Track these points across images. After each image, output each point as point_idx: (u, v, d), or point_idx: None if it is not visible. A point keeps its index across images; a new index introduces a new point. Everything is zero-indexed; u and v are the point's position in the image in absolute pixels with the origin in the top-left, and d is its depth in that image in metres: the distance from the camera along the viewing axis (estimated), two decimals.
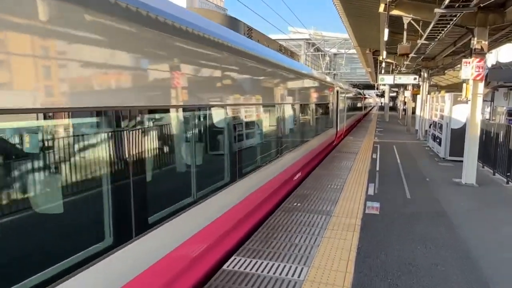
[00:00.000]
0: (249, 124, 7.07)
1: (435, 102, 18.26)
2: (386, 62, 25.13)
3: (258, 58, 7.35)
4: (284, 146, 9.41)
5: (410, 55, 14.85)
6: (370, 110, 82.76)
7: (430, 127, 19.67)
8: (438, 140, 16.68)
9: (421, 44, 11.85)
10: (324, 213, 7.87)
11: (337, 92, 19.80)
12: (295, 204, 8.58)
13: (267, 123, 8.16)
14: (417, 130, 26.48)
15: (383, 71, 28.52)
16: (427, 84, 24.35)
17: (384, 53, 18.07)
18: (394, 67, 26.71)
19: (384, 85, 45.29)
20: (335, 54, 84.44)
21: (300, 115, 11.34)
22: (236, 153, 5.99)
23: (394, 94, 73.12)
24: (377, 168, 13.52)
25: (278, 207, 8.64)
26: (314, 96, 13.44)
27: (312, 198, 9.04)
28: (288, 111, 10.09)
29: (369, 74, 48.76)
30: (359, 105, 40.79)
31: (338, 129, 20.17)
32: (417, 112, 26.55)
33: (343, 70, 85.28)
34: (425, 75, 23.86)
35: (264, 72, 7.76)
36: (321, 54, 51.70)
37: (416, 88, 38.69)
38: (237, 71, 6.15)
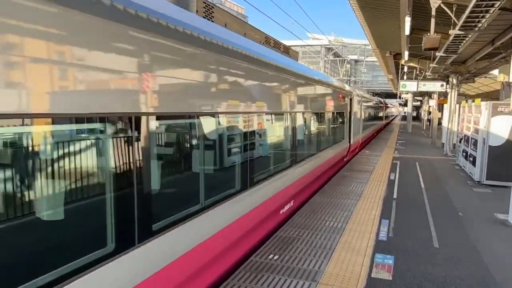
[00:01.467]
0: (214, 140, 5.06)
1: (467, 112, 15.34)
2: (408, 66, 22.24)
3: (226, 50, 5.10)
4: (268, 170, 6.91)
5: (439, 53, 12.06)
6: (392, 120, 79.03)
7: (460, 141, 16.69)
8: (471, 159, 13.74)
9: (454, 36, 9.08)
10: (308, 277, 5.26)
11: (351, 100, 17.14)
12: (270, 256, 5.98)
13: (244, 138, 5.78)
14: (443, 143, 23.37)
15: (405, 77, 25.56)
16: (456, 92, 21.30)
17: (406, 53, 15.30)
18: (417, 72, 23.71)
19: (407, 92, 42.13)
20: (355, 61, 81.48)
21: (298, 127, 8.86)
22: (201, 177, 4.66)
23: (418, 103, 69.35)
24: (395, 195, 10.75)
25: (256, 251, 6.11)
26: (319, 104, 10.94)
27: (297, 246, 6.43)
28: (279, 123, 7.65)
29: (390, 81, 45.61)
30: (379, 114, 37.72)
31: (352, 142, 17.45)
32: (444, 123, 23.47)
33: (364, 78, 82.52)
34: (454, 81, 20.84)
35: (238, 71, 5.56)
36: (339, 60, 48.92)
37: (442, 97, 35.61)
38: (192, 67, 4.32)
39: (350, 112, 17.21)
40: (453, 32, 8.72)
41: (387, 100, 77.99)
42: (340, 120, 14.89)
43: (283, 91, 7.82)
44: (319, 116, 11.10)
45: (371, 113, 29.29)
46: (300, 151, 9.07)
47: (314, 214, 8.40)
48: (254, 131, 6.30)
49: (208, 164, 4.88)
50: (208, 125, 4.80)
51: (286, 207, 8.31)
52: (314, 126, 10.53)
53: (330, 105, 12.57)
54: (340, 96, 14.30)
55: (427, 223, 8.29)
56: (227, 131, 5.35)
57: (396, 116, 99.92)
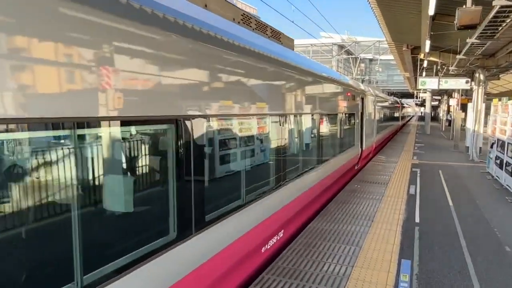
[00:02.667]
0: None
1: (501, 112, 12.95)
2: (428, 61, 19.84)
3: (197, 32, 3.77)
4: (242, 196, 4.90)
5: (471, 39, 9.73)
6: (409, 120, 75.95)
7: (491, 146, 14.29)
8: (509, 169, 11.37)
9: (498, 10, 6.76)
10: None
11: (363, 99, 14.95)
12: None
13: (228, 148, 4.61)
14: (467, 147, 20.88)
15: (424, 74, 23.10)
16: (483, 89, 18.81)
17: (427, 44, 12.97)
18: (439, 67, 21.22)
19: (425, 91, 39.45)
20: (370, 60, 78.91)
21: (293, 134, 6.87)
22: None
23: (436, 103, 66.19)
24: (417, 218, 8.51)
25: None
26: (322, 105, 8.90)
27: None
28: (274, 128, 5.99)
29: (407, 80, 42.98)
30: (395, 115, 35.19)
31: (364, 148, 15.23)
32: (468, 124, 20.95)
33: (379, 77, 79.67)
34: (481, 77, 18.35)
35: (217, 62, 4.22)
36: (352, 58, 46.54)
37: (464, 95, 33.01)
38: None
39: (362, 113, 15.00)
40: (499, 2, 6.42)
41: (403, 100, 75.08)
42: (350, 123, 12.71)
43: (271, 88, 5.75)
44: (323, 119, 8.99)
45: (387, 114, 26.88)
46: (294, 166, 6.96)
47: (309, 250, 6.26)
48: (225, 140, 4.53)
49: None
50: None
51: (272, 242, 6.19)
52: (315, 132, 8.42)
53: (337, 106, 10.45)
54: (350, 95, 12.12)
55: (465, 266, 6.05)
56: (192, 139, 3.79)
57: (413, 116, 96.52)
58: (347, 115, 11.84)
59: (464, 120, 26.19)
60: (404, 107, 56.56)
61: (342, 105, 11.27)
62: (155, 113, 3.25)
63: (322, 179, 8.96)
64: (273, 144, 6.03)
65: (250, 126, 5.31)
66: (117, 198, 3.11)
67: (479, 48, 11.98)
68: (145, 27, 3.12)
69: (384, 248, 6.41)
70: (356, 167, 14.32)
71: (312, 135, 8.33)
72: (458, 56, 13.19)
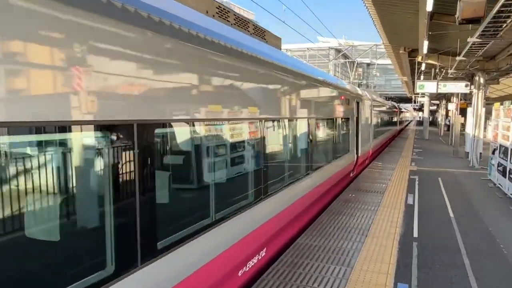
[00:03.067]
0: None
1: (504, 117, 12.30)
2: (426, 64, 19.22)
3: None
4: (228, 207, 4.41)
5: (473, 38, 9.09)
6: (407, 125, 75.47)
7: (493, 153, 13.63)
8: None
9: (505, 2, 6.09)
10: None
11: (358, 103, 14.32)
12: None
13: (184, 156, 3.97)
14: (467, 153, 20.24)
15: (422, 77, 22.50)
16: (483, 93, 18.18)
17: (425, 44, 12.32)
18: (437, 70, 20.61)
19: (424, 95, 38.91)
20: (368, 64, 78.67)
21: (283, 138, 6.48)
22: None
23: (434, 107, 65.71)
24: (415, 233, 7.81)
25: None
26: (314, 109, 8.36)
27: None
28: (255, 134, 5.40)
29: (405, 84, 42.46)
30: (393, 120, 34.59)
31: (360, 154, 14.58)
32: (468, 129, 20.31)
33: (376, 81, 79.27)
34: (481, 80, 17.73)
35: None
36: (349, 62, 46.06)
37: (463, 100, 32.44)
38: None
39: (358, 118, 14.36)
40: None
41: (401, 105, 74.59)
42: (345, 128, 12.06)
43: (248, 89, 5.07)
44: (314, 124, 8.33)
45: (384, 119, 26.26)
46: (279, 175, 6.28)
47: (293, 271, 5.55)
48: (193, 147, 4.02)
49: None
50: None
51: (251, 263, 5.48)
52: (304, 138, 7.76)
53: (330, 110, 9.82)
54: (345, 98, 11.48)
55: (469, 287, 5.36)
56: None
57: (411, 121, 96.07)
58: (341, 119, 11.18)
59: (463, 125, 25.61)
60: (402, 111, 56.06)
61: (336, 109, 10.61)
62: (97, 117, 2.63)
63: (313, 188, 8.27)
64: (253, 152, 5.34)
65: (224, 132, 4.63)
66: (39, 223, 2.46)
67: (480, 49, 11.34)
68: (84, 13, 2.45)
69: (378, 268, 5.71)
70: (351, 174, 13.64)
71: (301, 141, 7.65)
72: (458, 58, 12.54)
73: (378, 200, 10.15)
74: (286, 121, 6.64)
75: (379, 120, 22.41)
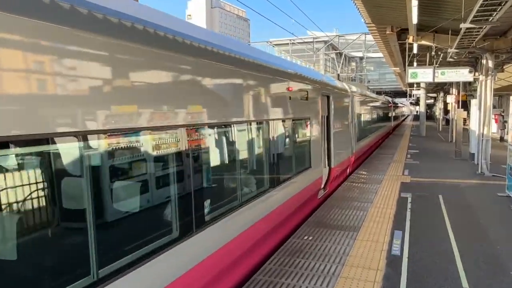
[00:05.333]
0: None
1: None
2: (420, 47, 15.45)
3: None
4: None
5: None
6: (403, 120, 71.77)
7: None
8: None
9: None
10: None
11: (329, 98, 10.69)
12: None
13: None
14: (472, 154, 16.54)
15: (415, 64, 18.70)
16: (492, 80, 14.43)
17: (414, 13, 8.56)
18: (433, 54, 16.70)
19: (419, 87, 35.20)
20: (361, 58, 75.06)
21: (199, 155, 4.32)
22: None
23: (431, 101, 62.03)
24: None
25: None
26: (253, 108, 5.73)
27: None
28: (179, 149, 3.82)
29: (398, 76, 38.71)
30: (385, 116, 30.86)
31: (334, 165, 10.97)
32: (473, 126, 16.58)
33: (371, 75, 75.89)
34: (490, 64, 13.95)
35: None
36: (336, 54, 42.38)
37: (463, 92, 28.80)
38: None
39: (328, 118, 10.69)
40: None
41: (397, 99, 70.96)
42: (302, 134, 8.39)
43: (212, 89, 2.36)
44: (257, 129, 5.81)
45: (374, 115, 22.52)
46: (199, 210, 3.98)
47: None
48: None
49: None
50: None
51: None
52: (239, 150, 4.90)
53: (290, 109, 6.56)
54: (299, 90, 7.82)
55: None
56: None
57: (408, 116, 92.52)
58: (292, 122, 7.49)
59: (466, 120, 21.86)
60: (397, 106, 52.38)
61: (297, 107, 7.16)
62: None
63: (252, 226, 4.90)
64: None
65: None
66: None
67: (484, 22, 7.58)
68: None
69: None
70: (319, 196, 9.90)
71: (209, 164, 4.41)
72: (463, 25, 8.54)
73: (345, 248, 6.40)
74: (182, 132, 3.95)
75: (366, 118, 18.66)
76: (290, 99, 7.25)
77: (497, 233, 7.40)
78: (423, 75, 15.06)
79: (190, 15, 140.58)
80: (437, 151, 21.10)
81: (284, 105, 7.06)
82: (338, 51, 42.56)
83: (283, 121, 7.04)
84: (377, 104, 25.17)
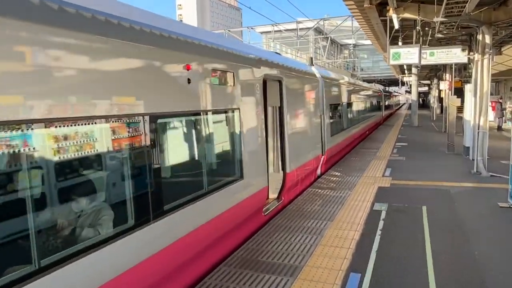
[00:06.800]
0: None
1: None
2: (404, 22, 12.96)
3: None
4: None
5: None
6: (397, 109, 69.25)
7: None
8: None
9: None
10: None
11: (281, 83, 8.27)
12: None
13: None
14: (467, 148, 14.18)
15: (400, 42, 16.19)
16: (490, 59, 12.00)
17: None
18: (418, 29, 14.12)
19: (410, 75, 32.75)
20: (354, 46, 72.37)
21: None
22: None
23: (426, 88, 59.63)
24: None
25: None
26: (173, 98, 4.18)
27: None
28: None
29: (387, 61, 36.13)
30: (374, 105, 28.42)
31: (292, 169, 8.71)
32: (467, 115, 14.18)
33: (364, 64, 73.45)
34: (487, 39, 11.49)
35: None
36: (321, 38, 39.83)
37: (457, 77, 26.52)
38: None
39: (282, 108, 8.34)
40: None
41: (392, 88, 68.52)
42: (237, 130, 6.03)
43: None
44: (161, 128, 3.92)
45: (358, 105, 20.09)
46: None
47: None
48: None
49: None
50: None
51: None
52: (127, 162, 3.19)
53: (223, 99, 4.62)
54: (224, 72, 5.45)
55: None
56: None
57: (403, 105, 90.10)
58: (210, 114, 5.14)
59: (460, 108, 19.45)
60: (389, 95, 49.97)
61: (232, 97, 4.89)
62: None
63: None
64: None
65: None
66: None
67: None
68: None
69: None
70: (266, 212, 7.52)
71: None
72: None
73: None
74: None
75: (346, 108, 16.23)
76: (189, 82, 4.81)
77: (498, 277, 5.04)
78: (407, 55, 12.56)
79: (180, 5, 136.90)
80: (428, 144, 18.73)
81: (177, 92, 4.64)
82: (325, 36, 39.84)
83: (210, 113, 4.71)
84: (363, 92, 22.72)
